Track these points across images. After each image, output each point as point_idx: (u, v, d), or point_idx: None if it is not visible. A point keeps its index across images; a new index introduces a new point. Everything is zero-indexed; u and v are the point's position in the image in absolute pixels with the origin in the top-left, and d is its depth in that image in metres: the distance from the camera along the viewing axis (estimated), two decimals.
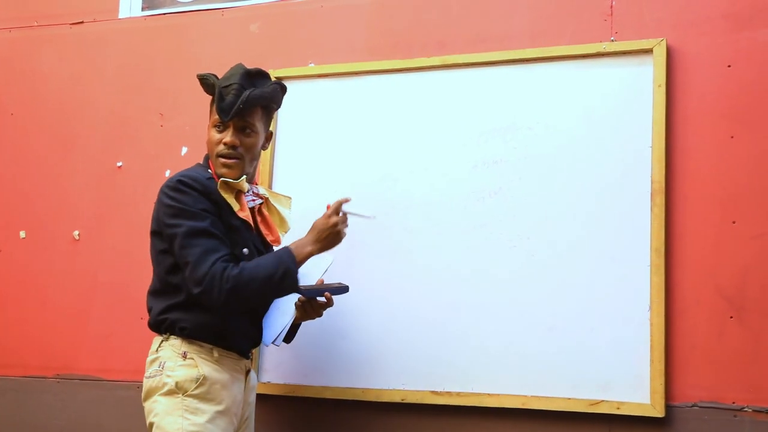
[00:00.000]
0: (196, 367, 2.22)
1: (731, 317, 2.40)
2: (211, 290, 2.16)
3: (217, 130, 2.32)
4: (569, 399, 2.46)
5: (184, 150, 3.01)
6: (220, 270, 2.16)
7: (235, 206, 2.28)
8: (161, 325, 2.28)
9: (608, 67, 2.61)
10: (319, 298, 2.39)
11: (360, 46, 2.92)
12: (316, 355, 2.72)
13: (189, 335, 2.24)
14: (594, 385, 2.45)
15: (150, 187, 2.86)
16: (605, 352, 2.45)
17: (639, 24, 2.62)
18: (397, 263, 2.69)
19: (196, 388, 2.20)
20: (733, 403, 2.36)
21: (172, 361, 2.22)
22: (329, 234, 2.33)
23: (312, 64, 2.94)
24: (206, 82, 2.36)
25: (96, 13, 3.29)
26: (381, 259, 2.70)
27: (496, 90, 2.70)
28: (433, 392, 2.59)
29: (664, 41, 2.54)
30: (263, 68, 2.42)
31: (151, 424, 2.22)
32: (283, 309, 2.42)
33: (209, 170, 2.34)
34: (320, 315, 2.43)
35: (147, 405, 2.25)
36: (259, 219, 2.40)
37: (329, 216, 2.34)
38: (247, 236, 2.32)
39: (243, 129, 2.31)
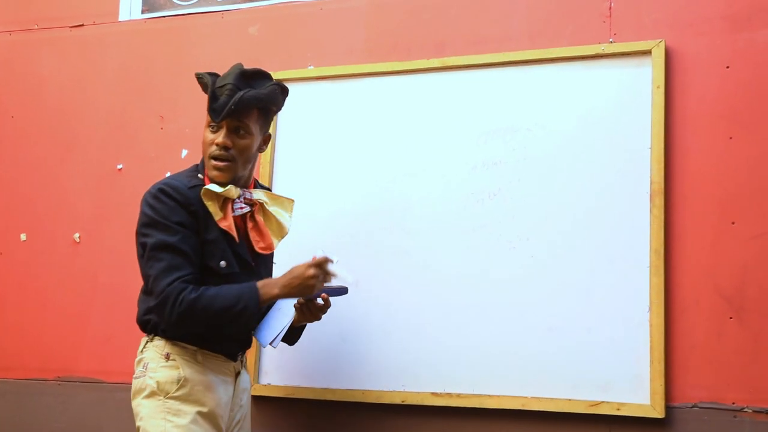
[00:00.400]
0: (178, 368, 2.21)
1: (731, 318, 2.40)
2: (163, 308, 2.14)
3: (210, 131, 2.28)
4: (569, 400, 2.46)
5: (184, 152, 3.02)
6: (176, 291, 2.13)
7: (217, 215, 2.23)
8: (146, 325, 2.28)
9: (607, 68, 2.61)
10: (318, 300, 2.37)
11: (359, 48, 2.92)
12: (316, 357, 2.72)
13: (172, 336, 2.23)
14: (594, 386, 2.45)
15: None
16: (605, 353, 2.46)
17: (638, 25, 2.62)
18: (396, 265, 2.69)
19: (177, 389, 2.19)
20: (733, 403, 2.36)
21: (155, 362, 2.22)
22: (301, 284, 2.21)
23: (311, 67, 2.95)
24: (202, 81, 2.32)
25: (96, 16, 3.29)
26: (381, 260, 2.70)
27: (496, 91, 2.71)
28: (433, 394, 2.59)
29: (663, 42, 2.55)
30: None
31: (138, 428, 2.22)
32: (284, 310, 2.40)
33: (200, 175, 2.29)
34: (318, 318, 2.38)
35: (134, 406, 2.25)
36: (249, 225, 2.33)
37: (309, 266, 2.22)
38: (225, 248, 2.25)
39: (236, 130, 2.26)
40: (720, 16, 2.55)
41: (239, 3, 3.12)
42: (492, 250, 2.61)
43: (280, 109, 2.43)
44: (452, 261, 2.64)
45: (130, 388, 2.28)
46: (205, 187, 2.23)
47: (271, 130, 2.85)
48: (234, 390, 2.34)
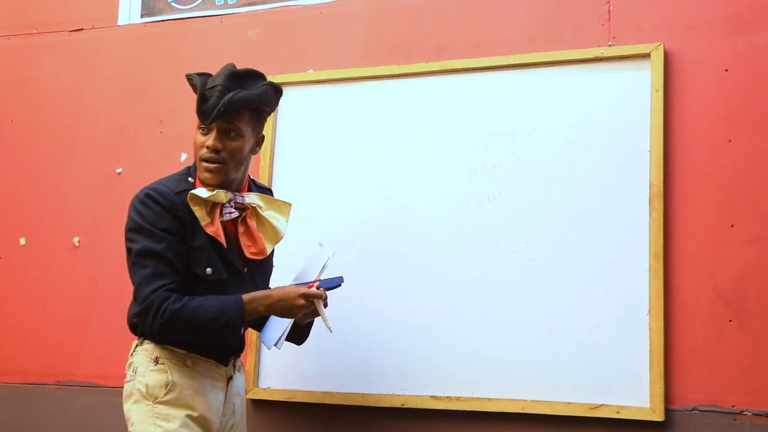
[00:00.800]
0: (166, 372, 2.20)
1: (730, 320, 2.40)
2: (146, 316, 2.13)
3: (201, 133, 2.23)
4: (569, 403, 2.46)
5: (184, 156, 3.02)
6: (160, 299, 2.12)
7: (204, 220, 2.19)
8: (136, 329, 2.26)
9: (606, 71, 2.61)
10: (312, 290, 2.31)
11: (358, 52, 2.92)
12: (315, 361, 2.71)
13: (161, 341, 2.22)
14: (594, 389, 2.45)
15: None
16: (605, 356, 2.46)
17: (637, 28, 2.63)
18: (396, 268, 2.69)
19: (165, 394, 2.18)
20: (733, 406, 2.36)
21: (144, 366, 2.21)
22: (287, 308, 2.21)
23: (310, 70, 2.95)
24: (192, 83, 2.28)
25: (95, 20, 3.30)
26: (380, 263, 2.70)
27: (495, 95, 2.71)
28: (433, 397, 2.59)
29: (662, 46, 2.55)
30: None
31: None
32: None
33: (191, 179, 2.26)
34: (317, 314, 2.33)
35: (125, 411, 2.24)
36: (240, 230, 2.29)
37: (300, 296, 2.21)
38: (212, 254, 2.22)
39: (227, 132, 2.21)
40: (719, 19, 2.56)
41: (238, 7, 3.12)
42: (492, 253, 2.61)
43: (273, 109, 2.38)
44: (452, 264, 2.64)
45: None
46: (191, 192, 2.19)
47: (269, 135, 2.86)
48: (226, 395, 2.32)
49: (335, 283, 2.34)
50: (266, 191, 2.48)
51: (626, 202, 2.51)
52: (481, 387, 2.55)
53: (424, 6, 2.89)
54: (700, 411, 2.38)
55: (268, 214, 2.34)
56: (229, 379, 2.33)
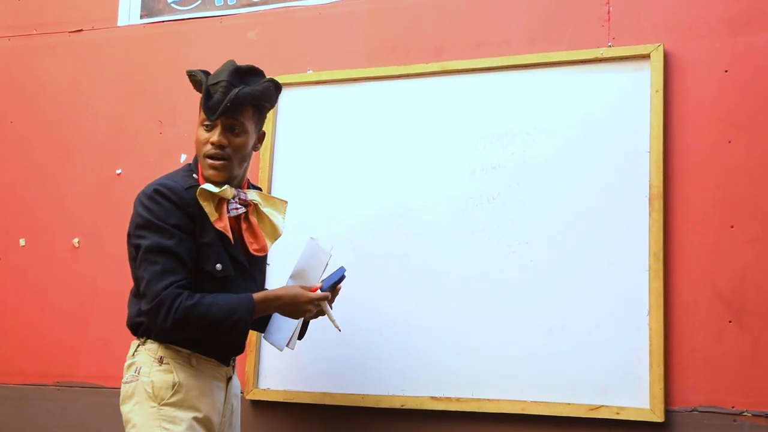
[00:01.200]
0: (172, 372, 2.18)
1: (730, 321, 2.40)
2: (157, 313, 2.11)
3: (204, 129, 2.23)
4: (569, 404, 2.46)
5: (183, 157, 3.02)
6: (172, 296, 2.10)
7: (213, 216, 2.19)
8: (138, 328, 2.24)
9: (606, 72, 2.61)
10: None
11: (358, 53, 2.92)
12: (315, 362, 2.71)
13: (165, 340, 2.20)
14: (593, 390, 2.45)
15: None
16: (604, 356, 2.46)
17: (636, 29, 2.63)
18: (395, 268, 2.69)
19: (172, 395, 2.16)
20: (733, 407, 2.36)
21: (148, 366, 2.18)
22: (296, 311, 2.24)
23: (310, 71, 2.95)
24: (194, 79, 2.28)
25: (95, 21, 3.30)
26: (380, 264, 2.70)
27: (494, 95, 2.71)
28: (432, 398, 2.59)
29: (662, 46, 2.55)
30: None
31: None
32: None
33: (194, 175, 2.26)
34: (324, 314, 2.34)
35: (124, 412, 2.20)
36: (244, 227, 2.29)
37: (310, 301, 2.23)
38: (221, 250, 2.21)
39: (231, 128, 2.21)
40: (718, 20, 2.56)
41: (238, 8, 3.12)
42: (491, 253, 2.61)
43: (273, 106, 2.39)
44: (451, 265, 2.64)
45: None
46: (201, 187, 2.19)
47: (269, 135, 2.87)
48: (226, 395, 2.31)
49: (339, 275, 2.33)
50: (259, 190, 2.47)
51: (626, 203, 2.51)
52: (481, 388, 2.55)
53: (423, 7, 2.89)
54: (700, 412, 2.38)
55: (266, 211, 2.34)
56: (229, 379, 2.33)
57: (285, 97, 2.90)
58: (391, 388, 2.63)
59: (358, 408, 2.65)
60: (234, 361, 2.38)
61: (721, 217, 2.45)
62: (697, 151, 2.50)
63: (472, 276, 2.61)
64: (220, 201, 2.23)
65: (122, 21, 3.27)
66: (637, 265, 2.47)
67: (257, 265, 2.38)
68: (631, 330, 2.44)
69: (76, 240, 3.12)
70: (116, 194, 3.09)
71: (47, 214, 3.18)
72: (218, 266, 2.20)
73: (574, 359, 2.48)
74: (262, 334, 2.43)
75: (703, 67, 2.54)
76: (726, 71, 2.52)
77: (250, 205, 2.31)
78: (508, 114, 2.68)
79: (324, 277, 2.37)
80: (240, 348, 2.35)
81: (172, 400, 2.16)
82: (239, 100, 2.19)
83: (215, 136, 2.21)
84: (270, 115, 2.84)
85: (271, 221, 2.34)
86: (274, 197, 2.41)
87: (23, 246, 3.19)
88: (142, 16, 3.25)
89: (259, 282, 2.39)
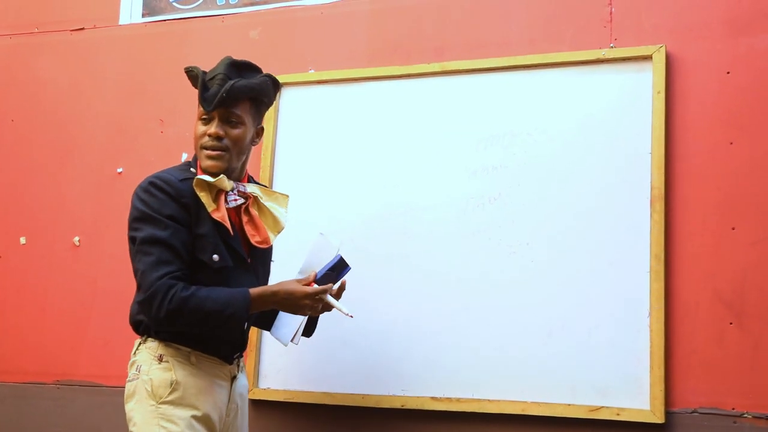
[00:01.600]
0: (171, 370, 2.18)
1: (731, 323, 2.40)
2: (151, 303, 2.10)
3: (202, 123, 2.24)
4: (569, 405, 2.46)
5: (184, 156, 3.02)
6: (166, 286, 2.09)
7: (210, 206, 2.18)
8: (139, 326, 2.25)
9: (607, 73, 2.61)
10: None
11: (359, 53, 2.92)
12: (315, 361, 2.71)
13: (165, 338, 2.20)
14: (594, 391, 2.45)
15: None
16: (605, 358, 2.45)
17: (638, 30, 2.63)
18: (396, 269, 2.69)
19: (170, 393, 2.16)
20: (733, 409, 2.36)
21: (148, 364, 2.19)
22: (293, 306, 2.22)
23: (312, 71, 2.95)
24: (191, 74, 2.29)
25: (96, 20, 3.30)
26: (380, 264, 2.70)
27: (496, 96, 2.71)
28: (433, 398, 2.58)
29: (664, 48, 2.55)
30: None
31: None
32: None
33: (192, 169, 2.26)
34: (329, 309, 2.31)
35: (127, 410, 2.22)
36: (244, 219, 2.28)
37: (306, 295, 2.20)
38: (218, 241, 2.20)
39: (228, 120, 2.22)
40: (720, 22, 2.56)
41: (240, 7, 3.12)
42: (492, 254, 2.61)
43: (272, 102, 2.39)
44: (452, 265, 2.64)
45: None
46: (198, 177, 2.19)
47: (270, 135, 2.87)
48: (230, 394, 2.31)
49: (333, 263, 2.29)
50: (260, 185, 2.47)
51: (627, 204, 2.51)
52: (482, 388, 2.55)
53: (425, 7, 2.89)
54: (701, 413, 2.38)
55: (268, 204, 2.34)
56: (233, 378, 2.32)
57: (286, 97, 2.91)
58: (391, 388, 2.63)
59: (358, 408, 2.65)
60: (240, 359, 2.37)
61: (722, 218, 2.45)
62: (698, 152, 2.50)
63: (472, 276, 2.61)
64: (218, 192, 2.23)
65: (124, 20, 3.27)
66: (638, 267, 2.46)
67: (260, 259, 2.37)
68: (631, 331, 2.44)
69: (76, 239, 3.12)
70: (117, 193, 3.09)
71: (48, 212, 3.18)
72: (215, 257, 2.19)
73: (575, 360, 2.48)
74: (269, 331, 2.44)
75: (705, 69, 2.54)
76: (728, 73, 2.53)
77: (250, 197, 2.30)
78: (510, 114, 2.68)
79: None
80: (239, 344, 2.34)
81: (170, 398, 2.16)
82: (235, 92, 2.21)
83: (212, 128, 2.22)
84: (271, 114, 2.84)
85: (272, 214, 2.34)
86: (276, 191, 2.41)
87: (23, 244, 3.19)
88: (143, 15, 3.25)
89: (261, 276, 2.38)
